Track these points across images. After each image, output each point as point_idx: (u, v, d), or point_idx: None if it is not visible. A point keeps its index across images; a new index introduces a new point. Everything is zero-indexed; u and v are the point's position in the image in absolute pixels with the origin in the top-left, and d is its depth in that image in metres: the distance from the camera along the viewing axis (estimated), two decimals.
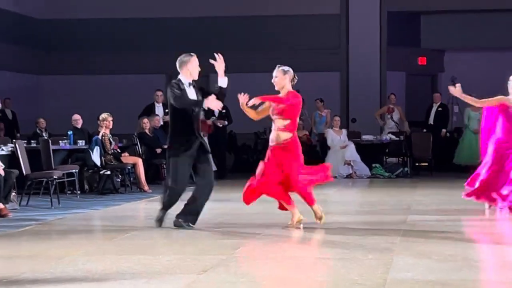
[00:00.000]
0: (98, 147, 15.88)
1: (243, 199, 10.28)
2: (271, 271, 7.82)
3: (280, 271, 7.78)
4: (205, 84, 23.21)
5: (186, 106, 10.02)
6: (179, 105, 9.98)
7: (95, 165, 15.88)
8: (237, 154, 22.25)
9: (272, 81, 10.29)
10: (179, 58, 10.23)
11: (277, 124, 10.16)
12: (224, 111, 17.65)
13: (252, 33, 23.37)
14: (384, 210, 12.52)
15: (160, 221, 10.21)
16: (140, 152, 17.73)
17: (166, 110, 16.76)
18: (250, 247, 9.09)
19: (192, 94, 10.04)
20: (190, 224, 10.02)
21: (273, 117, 10.19)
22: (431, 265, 7.59)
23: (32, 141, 16.22)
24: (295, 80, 10.28)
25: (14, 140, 15.08)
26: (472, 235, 9.51)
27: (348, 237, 9.48)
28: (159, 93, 19.02)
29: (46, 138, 16.32)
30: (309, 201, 10.18)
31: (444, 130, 21.46)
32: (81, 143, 16.53)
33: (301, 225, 10.13)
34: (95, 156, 15.84)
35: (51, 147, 15.10)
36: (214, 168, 19.49)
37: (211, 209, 13.33)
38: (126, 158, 16.67)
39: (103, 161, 15.95)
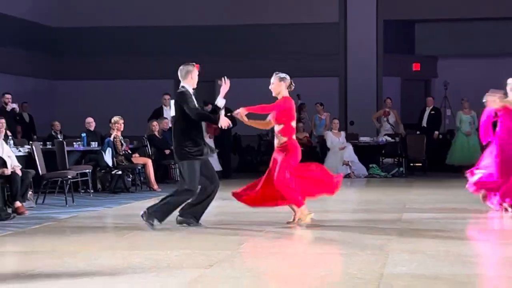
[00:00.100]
0: (110, 149, 15.88)
1: (247, 202, 10.32)
2: (273, 266, 7.81)
3: (282, 266, 7.77)
4: (210, 89, 23.35)
5: (202, 120, 10.22)
6: (195, 117, 9.98)
7: (107, 165, 15.88)
8: (241, 155, 22.24)
9: (270, 87, 10.27)
10: (183, 68, 10.15)
11: (275, 129, 10.23)
12: (229, 114, 17.61)
13: (255, 40, 23.37)
14: (381, 208, 12.51)
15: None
16: (150, 153, 17.74)
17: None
18: (254, 243, 9.08)
19: (195, 102, 10.06)
20: (195, 223, 10.00)
21: (272, 122, 10.25)
22: (425, 260, 7.58)
23: (48, 142, 16.22)
24: (292, 87, 10.22)
25: (30, 142, 15.08)
26: (465, 232, 9.50)
27: (347, 234, 9.47)
28: (167, 96, 19.03)
29: (61, 140, 16.31)
30: (294, 201, 10.10)
31: (436, 132, 21.45)
32: (94, 145, 16.53)
33: (302, 223, 10.12)
34: (107, 157, 15.84)
35: (66, 148, 15.12)
36: (219, 168, 19.61)
37: (217, 207, 13.32)
38: (137, 159, 16.67)
39: (115, 161, 15.95)
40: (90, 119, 17.62)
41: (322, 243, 9.01)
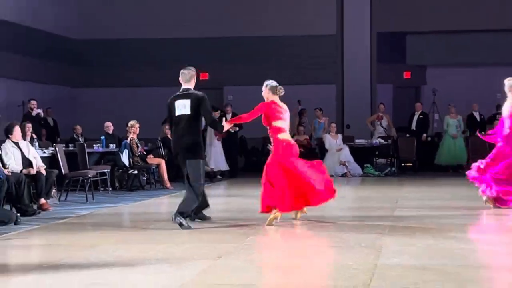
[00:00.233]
0: (127, 150, 15.89)
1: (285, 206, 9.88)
2: (276, 257, 7.82)
3: (284, 257, 7.77)
4: (219, 95, 23.30)
5: (213, 127, 10.37)
6: (210, 123, 9.97)
7: (124, 165, 15.88)
8: (247, 157, 22.22)
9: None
10: (187, 72, 9.95)
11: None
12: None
13: (261, 50, 23.35)
14: (374, 205, 12.49)
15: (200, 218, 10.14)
16: (163, 154, 17.74)
17: None
18: (259, 237, 9.07)
19: None
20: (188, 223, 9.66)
21: None
22: (416, 252, 7.57)
23: (70, 145, 16.24)
24: (280, 91, 9.92)
25: (54, 144, 15.09)
26: (453, 227, 9.48)
27: (343, 228, 9.46)
28: None
29: (82, 142, 16.33)
30: (276, 202, 9.81)
31: (424, 135, 21.42)
32: (112, 147, 16.54)
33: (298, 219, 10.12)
34: (124, 158, 15.85)
35: (86, 150, 15.14)
36: (227, 168, 19.61)
37: (225, 204, 13.34)
38: (151, 160, 16.67)
39: (131, 162, 15.96)
40: (108, 123, 17.64)
41: (320, 237, 9.01)
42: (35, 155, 12.46)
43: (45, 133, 19.17)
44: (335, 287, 6.27)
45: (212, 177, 18.66)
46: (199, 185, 9.58)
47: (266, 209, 9.86)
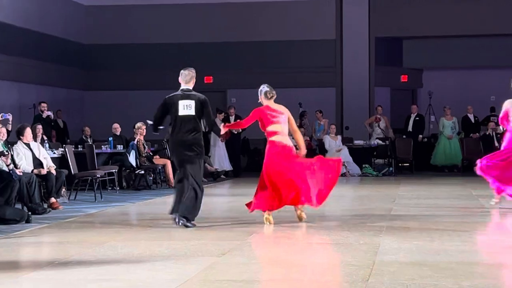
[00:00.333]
0: (134, 151, 15.91)
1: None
2: (278, 254, 7.82)
3: (286, 254, 7.78)
4: (223, 97, 23.27)
5: (213, 130, 10.14)
6: (211, 126, 9.91)
7: (132, 165, 15.90)
8: (249, 157, 22.23)
9: None
10: (188, 72, 9.79)
11: None
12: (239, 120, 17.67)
13: (262, 55, 23.35)
14: (373, 203, 12.50)
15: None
16: (169, 155, 17.72)
17: None
18: (261, 234, 9.08)
19: None
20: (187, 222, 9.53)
21: None
22: (412, 249, 7.57)
23: (79, 146, 16.25)
24: (270, 95, 9.78)
25: (64, 145, 15.11)
26: (448, 224, 9.48)
27: (342, 226, 9.47)
28: None
29: (90, 143, 16.35)
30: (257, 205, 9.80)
31: (420, 136, 21.42)
32: (120, 148, 16.55)
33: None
34: (131, 158, 15.87)
35: (95, 151, 15.15)
36: (230, 168, 19.62)
37: (228, 203, 13.35)
38: (157, 160, 16.69)
39: (138, 162, 15.98)
40: (116, 125, 17.65)
41: (321, 234, 9.01)
42: (46, 155, 12.47)
43: (55, 134, 19.18)
44: (335, 283, 6.28)
45: (216, 176, 18.67)
46: (202, 183, 9.56)
47: (247, 206, 9.85)
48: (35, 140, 12.93)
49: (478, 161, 11.41)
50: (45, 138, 15.19)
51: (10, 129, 12.93)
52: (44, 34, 21.41)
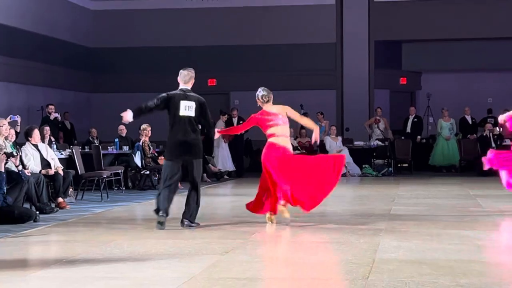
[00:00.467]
0: (139, 152, 15.91)
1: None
2: (280, 253, 7.82)
3: (287, 252, 7.78)
4: (226, 99, 23.24)
5: (211, 133, 10.05)
6: (210, 127, 9.85)
7: (137, 166, 15.90)
8: (252, 157, 22.21)
9: None
10: (187, 72, 9.77)
11: None
12: (241, 122, 17.65)
13: (265, 58, 23.36)
14: (372, 203, 12.49)
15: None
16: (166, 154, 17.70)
17: None
18: (263, 233, 9.08)
19: None
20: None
21: None
22: (411, 247, 7.57)
23: (86, 147, 16.27)
24: (267, 99, 9.70)
25: (71, 146, 15.12)
26: (446, 223, 9.47)
27: (343, 225, 9.46)
28: None
29: (97, 144, 16.36)
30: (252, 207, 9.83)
31: (419, 137, 21.43)
32: (126, 149, 16.56)
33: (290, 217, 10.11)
34: (137, 159, 15.87)
35: (101, 151, 15.16)
36: (233, 168, 19.62)
37: (231, 202, 13.35)
38: (162, 161, 16.62)
39: (143, 163, 15.97)
40: (122, 127, 17.65)
41: (322, 233, 9.01)
42: (53, 156, 12.48)
43: (63, 136, 19.20)
44: (336, 280, 6.28)
45: (220, 177, 18.67)
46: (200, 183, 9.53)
47: (247, 206, 9.84)
48: (43, 141, 12.95)
49: (485, 157, 11.10)
50: (52, 139, 15.20)
51: (18, 130, 12.92)
52: (52, 38, 21.44)
